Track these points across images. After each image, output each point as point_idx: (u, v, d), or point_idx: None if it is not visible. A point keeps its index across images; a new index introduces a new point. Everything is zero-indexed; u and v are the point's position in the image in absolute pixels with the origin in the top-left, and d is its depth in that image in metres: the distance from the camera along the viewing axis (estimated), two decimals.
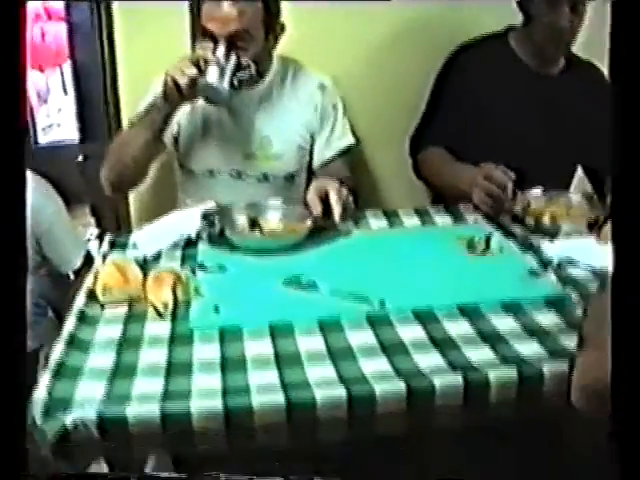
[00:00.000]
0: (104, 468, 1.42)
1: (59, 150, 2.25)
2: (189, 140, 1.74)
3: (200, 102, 1.64)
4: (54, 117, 2.37)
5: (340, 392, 0.99)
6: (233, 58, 1.52)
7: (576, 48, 1.84)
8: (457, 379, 1.01)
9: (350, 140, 1.78)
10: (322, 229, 1.48)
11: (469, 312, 1.19)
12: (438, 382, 1.01)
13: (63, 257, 1.93)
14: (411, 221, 1.59)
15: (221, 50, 1.52)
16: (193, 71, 1.47)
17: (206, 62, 1.50)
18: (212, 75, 1.49)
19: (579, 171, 1.75)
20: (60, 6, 2.15)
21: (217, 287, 1.29)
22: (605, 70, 1.86)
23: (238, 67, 1.53)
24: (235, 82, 1.52)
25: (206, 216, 1.45)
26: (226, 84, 1.49)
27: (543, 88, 1.78)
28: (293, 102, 1.75)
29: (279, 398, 0.99)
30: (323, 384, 1.01)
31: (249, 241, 1.45)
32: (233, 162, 1.73)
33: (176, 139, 1.75)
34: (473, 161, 1.62)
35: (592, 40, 1.81)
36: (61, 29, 2.18)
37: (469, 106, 1.75)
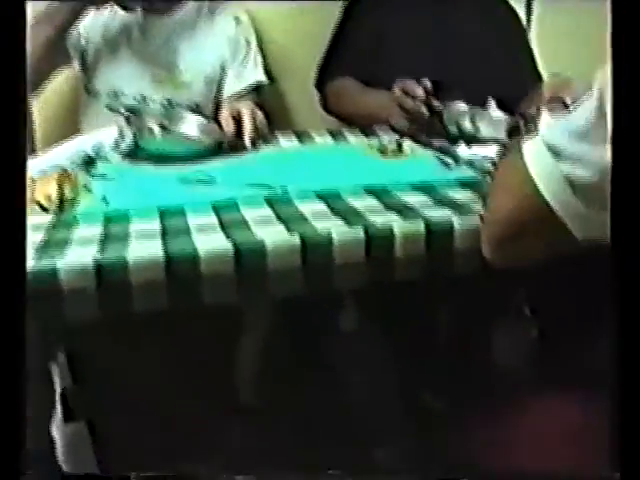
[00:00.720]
0: None
1: None
2: (97, 57, 1.68)
3: (113, 20, 1.63)
4: None
5: (226, 245, 0.89)
6: None
7: None
8: (357, 232, 0.92)
9: (261, 76, 1.74)
10: (231, 146, 1.39)
11: (376, 191, 1.10)
12: (336, 234, 0.91)
13: None
14: (323, 139, 1.51)
15: None
16: None
17: None
18: None
19: (492, 103, 1.69)
20: None
21: (110, 186, 1.19)
22: None
23: None
24: None
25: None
26: None
27: (444, 12, 1.72)
28: (207, 32, 1.72)
29: (158, 252, 0.88)
30: (208, 242, 0.90)
31: (154, 141, 1.35)
32: (139, 85, 1.68)
33: (83, 55, 1.68)
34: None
35: None
36: None
37: (374, 33, 1.69)
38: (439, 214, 0.98)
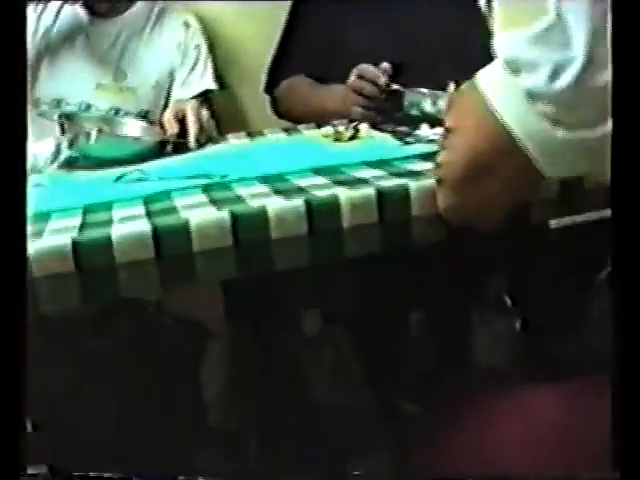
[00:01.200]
0: None
1: None
2: (38, 62, 1.60)
3: (56, 23, 1.57)
4: None
5: (143, 229, 0.76)
6: None
7: None
8: (296, 203, 0.79)
9: (210, 84, 1.65)
10: (176, 147, 1.28)
11: (325, 170, 0.97)
12: (271, 209, 0.78)
13: None
14: (276, 135, 1.39)
15: None
16: None
17: None
18: None
19: (452, 86, 1.57)
20: None
21: (38, 193, 1.08)
22: None
23: None
24: None
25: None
26: None
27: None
28: (155, 38, 1.64)
29: (65, 242, 0.75)
30: (125, 229, 0.78)
31: (92, 146, 1.24)
32: (83, 92, 1.60)
33: None
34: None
35: None
36: None
37: (324, 28, 1.59)
38: (393, 182, 0.85)
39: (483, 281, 1.16)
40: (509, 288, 1.18)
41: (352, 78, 1.36)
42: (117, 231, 0.77)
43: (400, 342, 1.09)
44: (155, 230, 0.76)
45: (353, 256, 0.81)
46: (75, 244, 0.75)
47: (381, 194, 0.81)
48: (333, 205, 0.79)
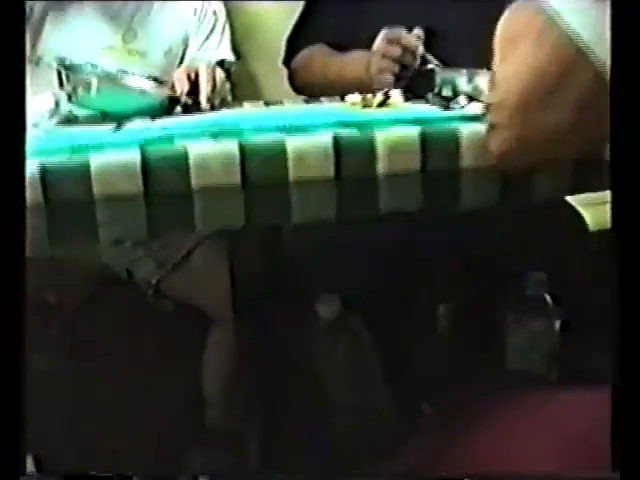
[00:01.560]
0: None
1: None
2: (43, 18, 1.48)
3: None
4: None
5: (130, 156, 0.61)
6: None
7: None
8: (321, 139, 0.63)
9: (227, 54, 1.52)
10: (186, 108, 1.14)
11: (355, 124, 0.81)
12: (290, 143, 0.62)
13: None
14: (297, 105, 1.24)
15: None
16: None
17: None
18: None
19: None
20: None
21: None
22: None
23: None
24: None
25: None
26: None
27: None
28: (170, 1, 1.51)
29: (32, 165, 0.60)
30: (110, 156, 0.62)
31: (93, 98, 1.11)
32: (89, 51, 1.45)
33: (28, 16, 1.48)
34: None
35: None
36: None
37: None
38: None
39: (522, 275, 1.02)
40: (551, 285, 1.04)
41: (380, 43, 1.22)
42: (98, 159, 0.61)
43: (424, 335, 0.95)
44: (144, 160, 0.60)
45: (387, 210, 0.65)
46: (44, 171, 0.59)
47: (425, 138, 0.65)
48: (367, 145, 0.63)
